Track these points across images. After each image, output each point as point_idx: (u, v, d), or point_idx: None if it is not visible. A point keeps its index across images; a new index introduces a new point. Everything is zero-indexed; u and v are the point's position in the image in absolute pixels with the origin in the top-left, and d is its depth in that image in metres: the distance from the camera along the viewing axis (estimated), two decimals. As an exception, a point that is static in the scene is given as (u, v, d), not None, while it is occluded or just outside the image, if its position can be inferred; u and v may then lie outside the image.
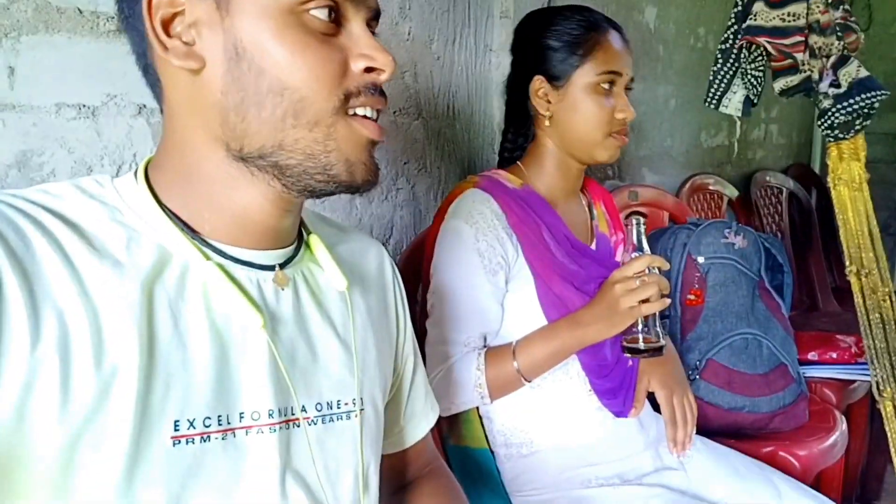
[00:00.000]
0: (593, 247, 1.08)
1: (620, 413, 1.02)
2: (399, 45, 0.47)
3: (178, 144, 0.52)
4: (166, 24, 0.48)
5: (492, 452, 1.05)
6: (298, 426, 0.54)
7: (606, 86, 0.99)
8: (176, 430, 0.47)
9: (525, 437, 1.02)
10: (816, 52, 1.29)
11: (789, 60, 1.32)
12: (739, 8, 1.35)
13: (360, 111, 0.51)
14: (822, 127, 1.39)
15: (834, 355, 1.71)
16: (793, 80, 1.33)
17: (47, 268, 0.44)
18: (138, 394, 0.45)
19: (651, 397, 1.05)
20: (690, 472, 1.03)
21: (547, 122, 1.02)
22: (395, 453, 0.73)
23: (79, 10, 0.77)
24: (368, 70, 0.51)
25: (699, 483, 1.02)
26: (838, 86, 1.31)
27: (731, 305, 1.43)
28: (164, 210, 0.51)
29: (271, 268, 0.55)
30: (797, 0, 1.30)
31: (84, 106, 0.80)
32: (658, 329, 0.94)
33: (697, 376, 1.38)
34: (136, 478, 0.45)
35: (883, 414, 1.44)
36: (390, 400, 0.70)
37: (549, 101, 1.01)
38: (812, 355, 1.72)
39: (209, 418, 0.48)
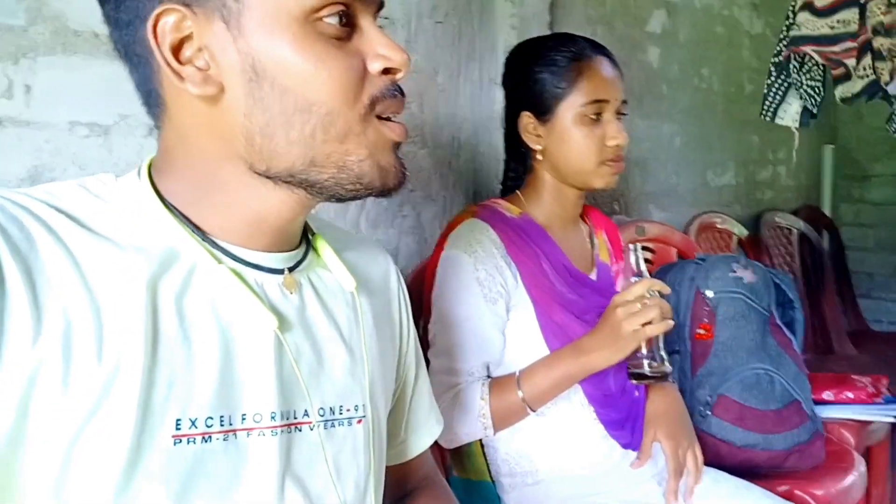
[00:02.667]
0: (593, 276, 1.07)
1: (629, 445, 1.00)
2: (405, 76, 0.49)
3: (188, 157, 0.51)
4: (175, 51, 0.47)
5: (494, 484, 1.02)
6: (301, 430, 0.53)
7: (594, 115, 0.98)
8: (178, 428, 0.46)
9: (530, 466, 0.99)
10: (885, 53, 1.26)
11: (843, 68, 1.29)
12: (791, 20, 1.35)
13: (386, 115, 0.51)
14: (891, 130, 1.36)
15: (850, 395, 1.66)
16: (853, 86, 1.30)
17: (50, 263, 0.44)
18: (141, 391, 0.44)
19: None
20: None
21: (539, 156, 1.03)
22: (396, 465, 0.71)
23: (95, 33, 0.81)
24: (386, 71, 0.50)
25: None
26: None
27: (741, 340, 1.41)
28: (169, 209, 0.50)
29: (279, 271, 0.54)
30: (848, 6, 1.27)
31: (97, 125, 0.82)
32: (663, 354, 0.93)
33: (709, 412, 1.35)
34: (136, 475, 0.44)
35: None
36: (393, 410, 0.68)
37: (538, 136, 1.02)
38: (827, 395, 1.67)
39: (211, 418, 0.48)
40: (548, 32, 1.35)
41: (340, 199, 0.52)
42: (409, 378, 0.71)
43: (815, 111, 1.42)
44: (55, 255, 0.44)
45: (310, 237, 0.60)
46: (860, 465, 1.36)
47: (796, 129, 1.48)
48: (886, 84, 1.30)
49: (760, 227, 2.47)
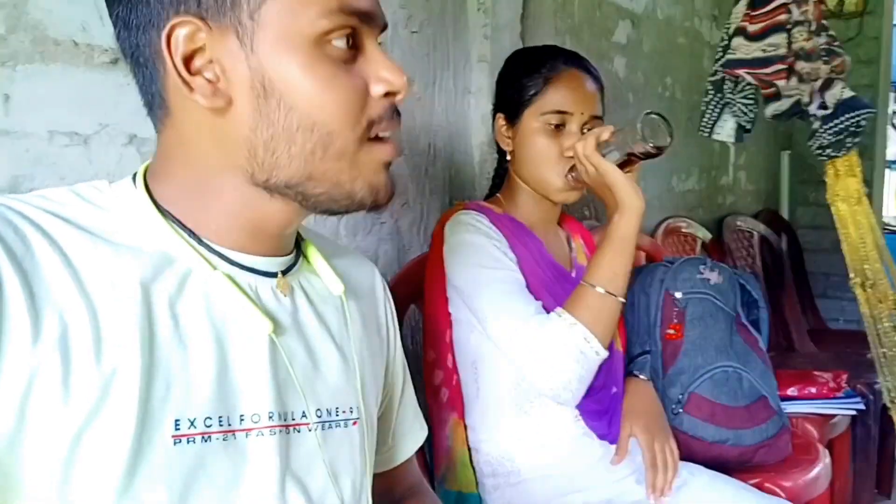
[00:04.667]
0: (574, 275, 1.10)
1: (605, 437, 1.02)
2: (404, 99, 0.51)
3: (188, 164, 0.52)
4: (186, 61, 0.48)
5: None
6: (299, 431, 0.54)
7: (555, 125, 1.00)
8: (177, 428, 0.46)
9: (512, 466, 1.01)
10: (805, 77, 1.36)
11: (773, 88, 1.39)
12: (726, 42, 1.44)
13: (381, 135, 0.52)
14: (813, 147, 1.46)
15: (813, 390, 1.73)
16: (781, 105, 1.40)
17: (47, 268, 0.44)
18: (139, 392, 0.45)
19: None
20: (684, 499, 1.02)
21: (509, 157, 1.07)
22: (383, 473, 0.72)
23: (74, 42, 0.80)
24: (387, 94, 0.52)
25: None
26: (826, 107, 1.37)
27: (710, 339, 1.45)
28: (163, 214, 0.51)
29: (273, 274, 0.55)
30: (777, 31, 1.37)
31: (76, 134, 0.81)
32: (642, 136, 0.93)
33: (681, 410, 1.38)
34: (138, 476, 0.44)
35: (894, 421, 1.46)
36: (381, 417, 0.70)
37: (508, 137, 1.06)
38: (791, 391, 1.74)
39: (210, 418, 0.48)
40: (519, 42, 1.39)
41: (332, 213, 0.54)
42: (396, 385, 0.72)
43: (748, 127, 1.51)
44: (51, 260, 0.44)
45: (300, 243, 0.61)
46: (825, 457, 1.42)
47: (732, 144, 1.58)
48: (806, 105, 1.40)
49: (723, 230, 2.55)
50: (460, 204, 1.08)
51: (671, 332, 1.47)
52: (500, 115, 1.07)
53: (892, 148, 3.96)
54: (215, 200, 0.52)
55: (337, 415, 0.57)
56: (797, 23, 1.37)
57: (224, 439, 0.49)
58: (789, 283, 2.71)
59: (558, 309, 0.94)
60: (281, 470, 0.52)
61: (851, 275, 1.51)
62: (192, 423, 0.47)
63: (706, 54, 2.39)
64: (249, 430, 0.50)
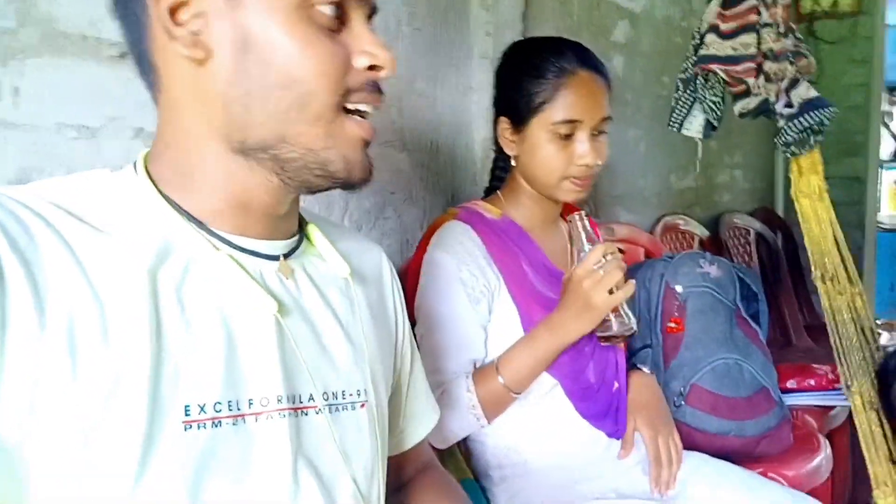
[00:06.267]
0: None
1: (613, 434, 1.03)
2: (385, 81, 0.51)
3: (177, 136, 0.52)
4: (172, 13, 0.48)
5: (477, 482, 1.04)
6: (307, 415, 0.54)
7: (565, 134, 0.97)
8: (187, 414, 0.46)
9: (518, 458, 1.01)
10: (772, 76, 1.40)
11: (743, 85, 1.43)
12: (697, 41, 1.47)
13: (360, 107, 0.52)
14: (779, 144, 1.50)
15: (812, 382, 1.75)
16: (749, 102, 1.44)
17: (51, 258, 0.44)
18: (149, 380, 0.45)
19: None
20: (692, 489, 1.02)
21: (513, 161, 1.04)
22: (396, 455, 0.72)
23: (84, 36, 0.81)
24: (370, 68, 0.52)
25: (702, 500, 1.01)
26: (791, 106, 1.41)
27: (710, 332, 1.47)
28: (166, 200, 0.51)
29: (275, 258, 0.55)
30: (747, 31, 1.41)
31: (85, 127, 0.82)
32: (627, 311, 0.93)
33: (683, 402, 1.39)
34: (150, 463, 0.44)
35: (852, 407, 1.50)
36: (391, 400, 0.69)
37: (513, 142, 1.02)
38: (791, 383, 1.75)
39: (219, 403, 0.48)
40: (520, 39, 1.40)
41: (311, 189, 0.54)
42: (405, 368, 0.72)
43: (716, 124, 1.56)
44: (55, 250, 0.44)
45: (304, 227, 0.61)
46: (826, 448, 1.43)
47: (700, 139, 1.61)
48: (773, 104, 1.44)
49: (720, 227, 2.57)
50: (452, 211, 1.07)
51: (672, 325, 1.48)
52: (504, 119, 1.02)
53: (885, 147, 3.99)
54: (200, 174, 0.52)
55: (344, 398, 0.57)
56: (766, 24, 1.41)
57: (234, 424, 0.49)
58: (785, 279, 2.73)
59: (469, 384, 0.95)
60: (293, 453, 0.51)
61: (813, 268, 1.55)
62: (202, 409, 0.47)
63: (702, 53, 2.41)
64: (258, 413, 0.50)
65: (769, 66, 1.39)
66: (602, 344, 0.99)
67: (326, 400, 0.56)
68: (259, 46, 0.48)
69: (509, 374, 0.95)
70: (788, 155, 1.53)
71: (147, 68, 0.52)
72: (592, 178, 1.01)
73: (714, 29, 1.46)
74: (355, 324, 0.60)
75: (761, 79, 1.42)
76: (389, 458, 0.70)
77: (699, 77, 1.49)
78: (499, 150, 1.11)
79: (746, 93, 1.44)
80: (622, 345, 1.10)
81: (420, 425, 0.74)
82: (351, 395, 0.58)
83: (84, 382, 0.43)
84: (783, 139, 1.48)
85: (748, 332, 1.53)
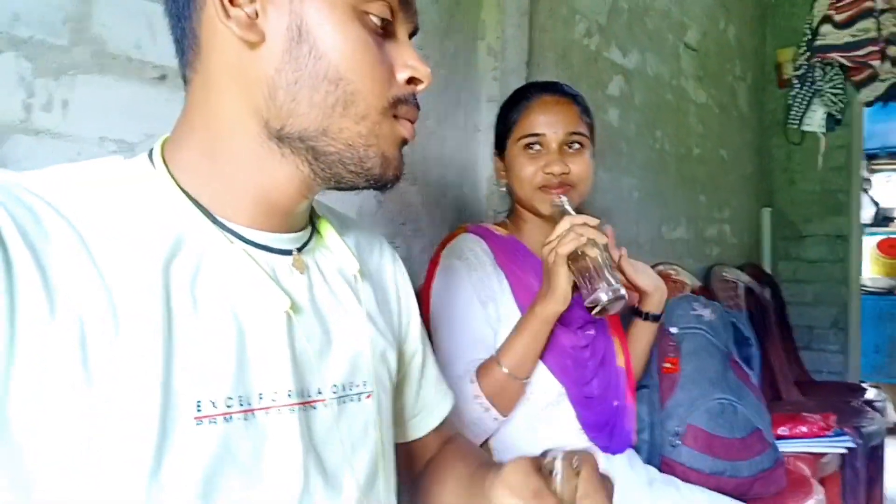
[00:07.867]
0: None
1: (607, 448, 1.05)
2: (425, 89, 0.55)
3: (208, 118, 0.51)
4: None
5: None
6: (315, 408, 0.54)
7: (532, 147, 1.08)
8: (199, 410, 0.46)
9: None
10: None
11: (868, 70, 1.41)
12: (809, 35, 1.47)
13: (403, 116, 0.54)
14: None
15: (804, 429, 1.77)
16: (877, 88, 1.42)
17: (61, 247, 0.43)
18: (161, 374, 0.44)
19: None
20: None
21: (504, 189, 1.17)
22: (413, 442, 0.73)
23: (129, 58, 0.86)
24: (410, 81, 0.54)
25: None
26: None
27: (705, 372, 1.50)
28: (182, 191, 0.51)
29: (287, 252, 0.55)
30: (864, 18, 1.41)
31: (124, 141, 0.86)
32: (610, 276, 0.91)
33: (679, 442, 1.42)
34: (164, 458, 0.44)
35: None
36: (404, 389, 0.71)
37: (503, 171, 1.15)
38: (783, 430, 1.78)
39: (230, 398, 0.48)
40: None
41: (340, 184, 0.54)
42: (416, 355, 0.72)
43: (839, 116, 1.52)
44: (66, 241, 0.44)
45: (314, 219, 0.62)
46: (819, 492, 1.44)
47: (822, 134, 1.57)
48: None
49: (710, 279, 2.63)
50: (462, 227, 1.16)
51: (668, 365, 1.52)
52: (496, 156, 1.16)
53: (866, 212, 4.12)
54: (226, 159, 0.51)
55: (351, 389, 0.58)
56: (883, 10, 1.39)
57: (245, 419, 0.48)
58: (774, 333, 2.77)
59: (473, 375, 0.98)
60: (304, 447, 0.51)
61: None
62: (213, 404, 0.46)
63: (692, 111, 2.53)
64: (269, 408, 0.50)
65: (893, 50, 1.37)
66: (595, 317, 0.97)
67: (335, 393, 0.56)
68: (313, 38, 0.49)
69: (508, 359, 0.98)
70: None
71: (189, 46, 0.52)
72: (569, 189, 1.07)
73: (828, 19, 1.46)
74: (362, 315, 0.60)
75: (887, 63, 1.40)
76: (411, 444, 0.71)
77: (817, 70, 1.48)
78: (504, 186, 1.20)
79: (871, 79, 1.41)
80: (618, 315, 1.12)
81: (435, 411, 0.74)
82: (357, 385, 0.58)
83: (94, 374, 0.42)
84: None
85: (741, 375, 1.56)
